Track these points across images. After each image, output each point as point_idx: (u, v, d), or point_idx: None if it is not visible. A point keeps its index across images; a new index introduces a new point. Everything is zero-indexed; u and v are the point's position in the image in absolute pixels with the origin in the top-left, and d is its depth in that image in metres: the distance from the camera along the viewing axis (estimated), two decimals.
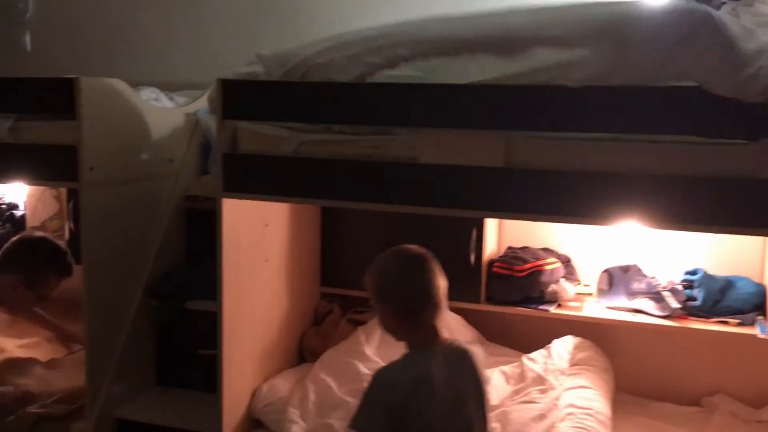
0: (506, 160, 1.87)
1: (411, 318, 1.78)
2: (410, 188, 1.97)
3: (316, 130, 2.07)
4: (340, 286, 2.87)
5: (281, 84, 2.05)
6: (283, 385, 2.45)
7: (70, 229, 3.10)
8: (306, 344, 2.75)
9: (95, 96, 2.32)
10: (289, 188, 2.11)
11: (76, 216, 3.02)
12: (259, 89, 2.08)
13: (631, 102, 1.71)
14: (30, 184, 2.42)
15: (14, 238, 2.92)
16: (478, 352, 1.87)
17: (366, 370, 2.36)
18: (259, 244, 2.43)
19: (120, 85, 2.46)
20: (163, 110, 2.74)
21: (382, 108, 1.94)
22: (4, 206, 3.40)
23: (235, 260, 2.27)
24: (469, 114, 1.85)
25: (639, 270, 2.60)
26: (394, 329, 1.83)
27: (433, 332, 1.78)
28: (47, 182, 2.48)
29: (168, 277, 2.65)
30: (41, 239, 2.95)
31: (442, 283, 1.79)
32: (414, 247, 1.86)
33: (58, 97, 2.31)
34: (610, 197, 1.76)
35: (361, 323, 2.72)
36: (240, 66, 2.14)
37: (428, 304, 1.76)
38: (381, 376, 1.77)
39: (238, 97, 2.10)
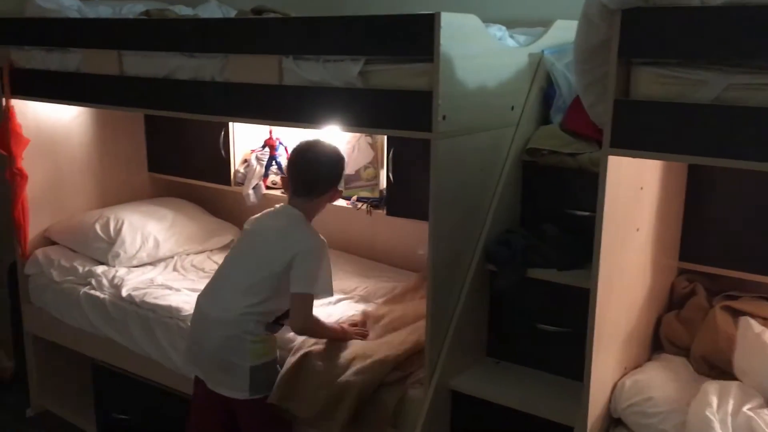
0: None
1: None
2: None
3: (751, 69, 1.59)
4: (704, 263, 2.38)
5: (710, 9, 1.58)
6: (649, 381, 2.06)
7: (388, 179, 2.95)
8: (665, 331, 2.31)
9: (454, 34, 2.05)
10: (703, 145, 1.67)
11: (395, 166, 2.88)
12: (680, 17, 1.63)
13: None
14: (378, 133, 2.24)
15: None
16: None
17: None
18: (634, 209, 2.03)
19: (475, 21, 2.17)
20: (510, 51, 2.42)
21: None
22: None
23: (610, 228, 1.90)
24: None
25: None
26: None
27: None
28: (396, 131, 2.29)
29: (507, 241, 2.37)
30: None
31: None
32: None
33: (413, 36, 2.08)
34: None
35: (741, 313, 2.22)
36: None
37: None
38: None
39: (640, 30, 1.69)
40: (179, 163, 3.67)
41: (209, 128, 3.42)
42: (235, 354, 2.43)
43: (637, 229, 2.07)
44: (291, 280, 2.39)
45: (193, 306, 2.63)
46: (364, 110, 2.20)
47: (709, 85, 1.63)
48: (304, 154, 2.50)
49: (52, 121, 3.45)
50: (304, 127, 2.44)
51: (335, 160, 2.51)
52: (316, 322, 2.48)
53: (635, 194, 2.02)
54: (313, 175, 2.47)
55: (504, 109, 2.42)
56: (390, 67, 2.18)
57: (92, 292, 3.17)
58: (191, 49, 2.58)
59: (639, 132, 1.74)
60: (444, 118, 2.09)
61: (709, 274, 2.41)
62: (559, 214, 2.42)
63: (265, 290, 2.44)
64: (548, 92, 2.53)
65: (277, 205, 2.63)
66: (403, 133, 2.20)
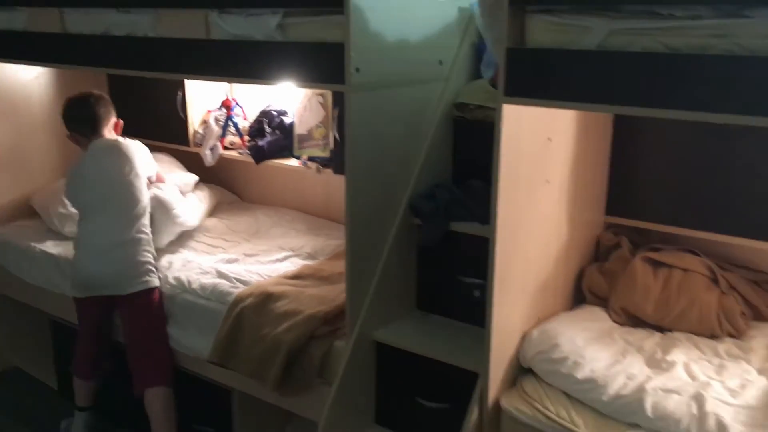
0: None
1: None
2: (764, 93, 1.42)
3: (631, 15, 1.58)
4: (631, 216, 2.39)
5: None
6: (557, 329, 2.08)
7: (335, 138, 2.97)
8: (587, 283, 2.34)
9: None
10: (589, 92, 1.67)
11: (340, 124, 2.89)
12: None
13: None
14: (296, 85, 2.25)
15: None
16: None
17: None
18: (540, 162, 2.03)
19: None
20: (435, 4, 2.40)
21: None
22: (274, 113, 3.39)
23: (513, 179, 1.91)
24: None
25: None
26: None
27: None
28: (312, 84, 2.31)
29: (432, 195, 2.39)
30: None
31: None
32: None
33: None
34: None
35: (662, 265, 2.23)
36: None
37: None
38: None
39: None
40: (140, 123, 3.70)
41: (168, 89, 3.44)
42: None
43: (547, 181, 2.08)
44: None
45: None
46: (282, 63, 2.20)
47: (594, 31, 1.63)
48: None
49: (11, 83, 3.49)
50: (229, 81, 2.46)
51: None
52: None
53: (542, 145, 2.02)
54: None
55: (431, 63, 2.42)
56: (306, 20, 2.18)
57: (49, 249, 3.24)
58: (125, 5, 2.60)
59: (531, 80, 1.74)
60: (357, 70, 2.10)
61: (636, 228, 2.42)
62: (488, 168, 2.42)
63: None
64: (479, 47, 2.52)
65: None
66: (318, 86, 2.22)
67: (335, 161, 3.03)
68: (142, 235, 2.83)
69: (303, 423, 2.69)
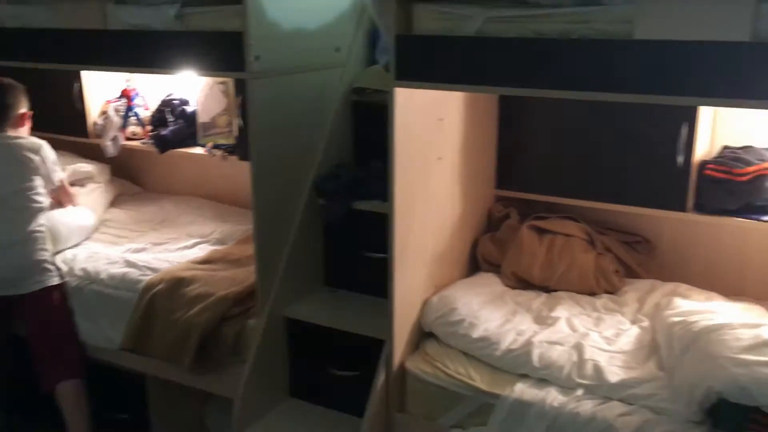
0: (753, 33, 1.47)
1: None
2: (619, 71, 1.63)
3: (505, 4, 1.75)
4: (518, 189, 2.59)
5: None
6: (454, 295, 2.26)
7: (239, 126, 3.03)
8: (481, 251, 2.53)
9: None
10: (470, 75, 1.83)
11: (243, 111, 2.95)
12: None
13: None
14: (196, 74, 2.31)
15: None
16: None
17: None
18: (433, 140, 2.19)
19: None
20: None
21: None
22: (176, 102, 3.40)
23: (408, 158, 2.06)
24: None
25: None
26: None
27: None
28: (212, 72, 2.38)
29: (335, 176, 2.51)
30: None
31: None
32: None
33: None
34: None
35: (546, 231, 2.45)
36: None
37: None
38: None
39: None
40: (35, 116, 3.62)
41: (63, 80, 3.38)
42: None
43: (440, 158, 2.24)
44: None
45: None
46: (182, 53, 2.26)
47: (473, 19, 1.79)
48: None
49: None
50: (128, 71, 2.48)
51: None
52: None
53: (434, 125, 2.18)
54: None
55: (328, 50, 2.53)
56: (205, 9, 2.24)
57: None
58: None
59: (418, 64, 1.89)
60: (257, 58, 2.18)
61: (523, 200, 2.63)
62: (387, 148, 2.56)
63: None
64: (374, 34, 2.65)
65: None
66: (219, 75, 2.28)
67: (240, 148, 3.08)
68: (38, 234, 2.78)
69: (219, 403, 2.77)
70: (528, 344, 2.05)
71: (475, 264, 2.55)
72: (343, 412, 2.39)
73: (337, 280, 2.62)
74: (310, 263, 2.56)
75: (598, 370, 1.95)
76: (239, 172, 3.40)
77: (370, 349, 2.25)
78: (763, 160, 2.19)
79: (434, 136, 2.19)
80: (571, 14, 1.66)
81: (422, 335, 2.26)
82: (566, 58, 1.68)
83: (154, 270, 2.75)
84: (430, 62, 1.87)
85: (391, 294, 2.10)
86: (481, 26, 1.77)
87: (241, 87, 2.89)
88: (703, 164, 2.24)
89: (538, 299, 2.35)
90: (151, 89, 3.53)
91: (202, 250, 3.01)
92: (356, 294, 2.56)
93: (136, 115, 3.48)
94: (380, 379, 2.16)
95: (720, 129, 2.37)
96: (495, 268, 2.51)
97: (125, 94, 3.49)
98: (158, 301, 2.60)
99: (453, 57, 1.83)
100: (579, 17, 1.65)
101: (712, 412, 1.74)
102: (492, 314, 2.20)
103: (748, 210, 2.18)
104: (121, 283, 2.71)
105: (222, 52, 2.20)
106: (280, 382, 2.51)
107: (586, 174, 2.42)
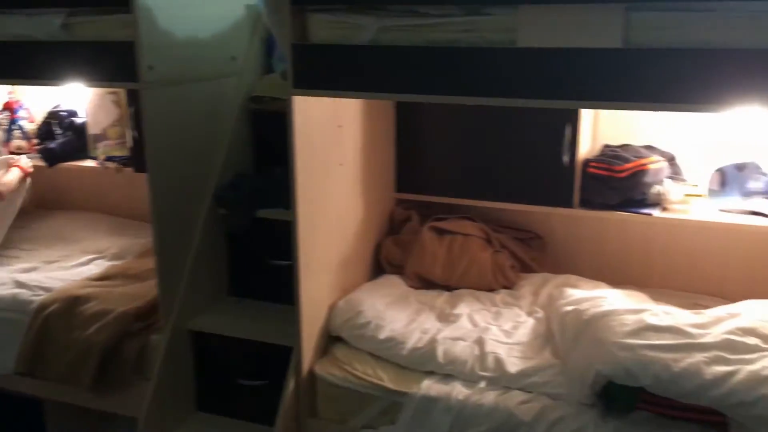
0: (625, 40, 1.60)
1: None
2: (505, 77, 1.72)
3: (396, 14, 1.81)
4: (418, 192, 2.67)
5: None
6: (360, 298, 2.30)
7: (134, 137, 2.95)
8: (384, 255, 2.58)
9: None
10: (365, 82, 1.88)
11: (137, 122, 2.88)
12: None
13: None
14: (86, 85, 2.24)
15: None
16: None
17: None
18: (333, 147, 2.23)
19: None
20: (222, 1, 2.50)
21: None
22: (63, 113, 3.28)
23: (309, 165, 2.08)
24: None
25: (757, 168, 2.31)
26: None
27: None
28: (104, 83, 2.31)
29: (236, 185, 2.50)
30: None
31: None
32: None
33: None
34: (730, 77, 1.52)
35: (446, 232, 2.53)
36: None
37: None
38: None
39: None
40: None
41: None
42: None
43: (341, 164, 2.28)
44: None
45: None
46: (69, 63, 2.19)
47: (366, 28, 1.83)
48: None
49: None
50: (10, 83, 2.37)
51: None
52: None
53: (334, 132, 2.22)
54: None
55: (224, 59, 2.51)
56: (95, 19, 2.18)
57: None
58: None
59: (315, 73, 1.92)
60: (151, 68, 2.15)
61: (423, 202, 2.70)
62: (287, 156, 2.58)
63: None
64: (269, 42, 2.65)
65: None
66: (111, 85, 2.22)
67: (135, 160, 3.01)
68: None
69: (124, 423, 2.68)
70: (433, 342, 2.12)
71: (379, 267, 2.60)
72: (254, 423, 2.38)
73: (242, 289, 2.60)
74: (214, 274, 2.54)
75: (498, 362, 2.04)
76: (135, 185, 3.33)
77: (280, 357, 2.25)
78: (639, 157, 2.36)
79: (334, 142, 2.22)
80: (459, 23, 1.73)
81: (330, 340, 2.29)
82: (456, 66, 1.75)
83: (46, 290, 2.64)
84: (327, 70, 1.90)
85: (297, 300, 2.11)
86: (375, 35, 1.82)
87: (133, 97, 2.83)
88: (587, 162, 2.39)
89: (440, 298, 2.43)
90: (36, 101, 3.38)
91: (98, 267, 2.91)
92: (263, 302, 2.56)
93: (20, 128, 3.33)
94: (290, 386, 2.17)
95: (600, 129, 2.54)
96: (398, 269, 2.57)
97: (8, 107, 3.34)
98: (53, 322, 2.49)
99: (349, 65, 1.87)
100: (467, 26, 1.73)
101: (603, 394, 1.86)
102: (397, 315, 2.26)
103: (629, 204, 2.35)
104: (12, 305, 2.58)
105: (113, 62, 2.15)
106: (186, 396, 2.47)
107: (480, 175, 2.52)
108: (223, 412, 2.47)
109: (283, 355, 2.23)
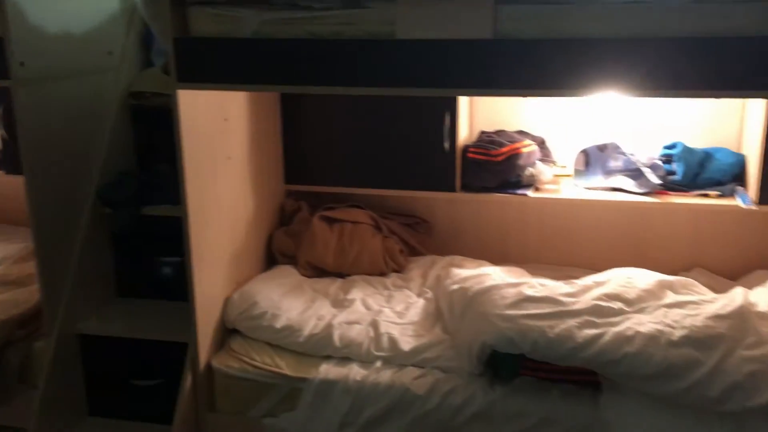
0: (494, 31, 1.72)
1: None
2: (385, 68, 1.80)
3: (278, 7, 1.85)
4: (306, 183, 2.71)
5: None
6: (254, 290, 2.32)
7: (3, 138, 2.81)
8: (276, 246, 2.61)
9: None
10: (249, 74, 1.91)
11: (8, 122, 2.74)
12: None
13: None
14: None
15: None
16: None
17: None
18: (221, 140, 2.23)
19: None
20: None
21: None
22: None
23: (197, 159, 2.08)
24: None
25: (617, 148, 2.52)
26: None
27: None
28: None
29: (120, 183, 2.44)
30: None
31: None
32: None
33: None
34: (589, 65, 1.69)
35: (336, 221, 2.60)
36: None
37: None
38: None
39: None
40: None
41: None
42: None
43: (229, 158, 2.29)
44: None
45: None
46: None
47: (247, 21, 1.86)
48: None
49: None
50: None
51: None
52: None
53: (220, 125, 2.22)
54: None
55: (99, 54, 2.44)
56: None
57: None
58: None
59: (198, 66, 1.92)
60: (22, 64, 2.06)
61: (313, 193, 2.75)
62: (173, 151, 2.54)
63: None
64: (147, 36, 2.60)
65: None
66: None
67: (7, 161, 2.87)
68: None
69: None
70: (329, 327, 2.18)
71: (271, 258, 2.63)
72: (151, 423, 2.34)
73: (131, 289, 2.55)
74: (100, 275, 2.47)
75: (392, 341, 2.13)
76: (7, 187, 3.16)
77: (174, 355, 2.23)
78: (513, 142, 2.52)
79: (221, 136, 2.22)
80: (340, 16, 1.79)
81: (226, 333, 2.30)
82: (338, 57, 1.81)
83: None
84: (211, 63, 1.91)
85: (191, 296, 2.10)
86: (258, 28, 1.85)
87: (3, 95, 2.69)
88: (466, 148, 2.53)
89: (334, 285, 2.49)
90: None
91: None
92: (154, 301, 2.52)
93: None
94: (187, 382, 2.16)
95: (477, 116, 2.68)
96: (291, 260, 2.61)
97: None
98: None
99: (232, 58, 1.89)
100: (347, 19, 1.79)
101: (489, 364, 2.00)
102: (292, 303, 2.30)
103: (505, 186, 2.50)
104: None
105: None
106: (77, 402, 2.39)
107: (366, 164, 2.60)
108: (117, 415, 2.41)
109: (178, 352, 2.22)
